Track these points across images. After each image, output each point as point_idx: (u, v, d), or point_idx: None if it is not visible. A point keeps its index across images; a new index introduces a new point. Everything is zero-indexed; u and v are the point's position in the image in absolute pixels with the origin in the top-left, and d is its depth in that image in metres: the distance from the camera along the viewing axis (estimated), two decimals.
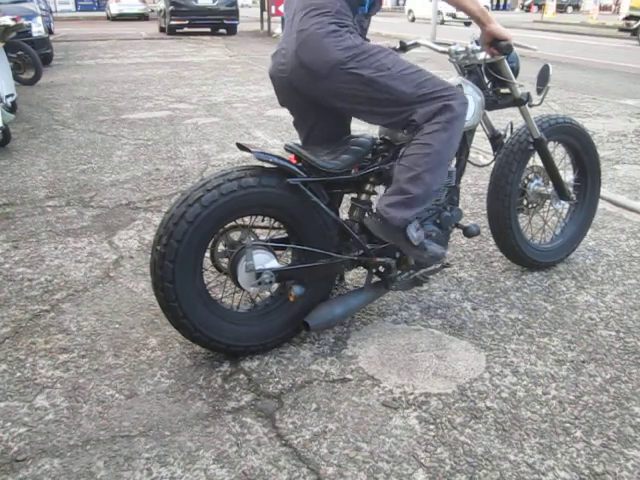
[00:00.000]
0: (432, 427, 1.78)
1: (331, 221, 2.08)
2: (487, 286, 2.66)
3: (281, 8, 15.34)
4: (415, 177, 1.96)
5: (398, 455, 1.67)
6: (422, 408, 1.86)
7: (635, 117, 6.34)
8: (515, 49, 2.21)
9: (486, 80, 2.35)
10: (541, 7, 30.74)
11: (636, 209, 3.63)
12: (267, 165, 1.99)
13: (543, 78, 2.42)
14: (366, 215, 2.13)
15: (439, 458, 1.66)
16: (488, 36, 2.14)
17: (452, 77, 2.30)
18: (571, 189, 2.77)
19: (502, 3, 42.93)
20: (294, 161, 2.05)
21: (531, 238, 2.83)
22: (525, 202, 2.70)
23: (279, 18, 16.20)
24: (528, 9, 37.72)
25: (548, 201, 2.73)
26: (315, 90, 2.00)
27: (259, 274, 2.00)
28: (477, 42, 2.27)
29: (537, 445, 1.71)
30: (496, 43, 2.14)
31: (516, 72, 2.36)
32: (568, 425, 1.79)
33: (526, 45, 2.25)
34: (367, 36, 2.06)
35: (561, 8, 30.31)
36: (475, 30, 2.32)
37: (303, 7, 1.94)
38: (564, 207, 2.83)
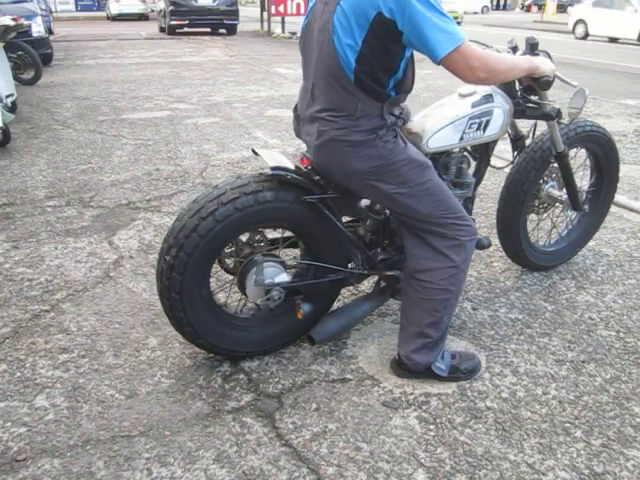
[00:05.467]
0: (432, 427, 1.78)
1: (345, 237, 2.05)
2: (487, 286, 2.66)
3: (281, 8, 15.33)
4: (436, 322, 1.91)
5: (398, 455, 1.67)
6: (422, 408, 1.86)
7: (635, 117, 6.34)
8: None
9: (517, 87, 2.25)
10: (541, 7, 30.75)
11: (636, 209, 3.63)
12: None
13: (577, 101, 2.33)
14: (391, 362, 2.07)
15: (439, 458, 1.66)
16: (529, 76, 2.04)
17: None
18: (584, 198, 2.73)
19: (502, 3, 42.89)
20: (307, 164, 1.99)
21: (536, 241, 2.81)
22: (537, 203, 2.67)
23: (279, 18, 16.21)
24: (528, 9, 37.70)
25: (560, 205, 2.70)
26: (334, 177, 1.92)
27: (268, 289, 1.98)
28: (513, 49, 2.20)
29: (537, 445, 1.71)
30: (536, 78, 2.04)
31: (550, 83, 2.16)
32: (568, 425, 1.79)
33: (567, 80, 2.14)
34: None
35: (561, 8, 30.25)
36: (513, 34, 2.23)
37: (323, 97, 1.78)
38: (574, 213, 2.80)
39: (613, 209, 3.61)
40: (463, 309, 2.46)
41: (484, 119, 2.09)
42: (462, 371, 2.00)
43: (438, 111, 2.09)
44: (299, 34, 2.01)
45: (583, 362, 2.11)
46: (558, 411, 1.85)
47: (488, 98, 2.10)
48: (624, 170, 4.34)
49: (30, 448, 1.68)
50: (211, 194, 1.87)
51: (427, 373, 1.97)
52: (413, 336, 1.95)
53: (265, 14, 17.48)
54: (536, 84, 2.05)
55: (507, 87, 2.21)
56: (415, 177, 1.81)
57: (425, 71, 9.46)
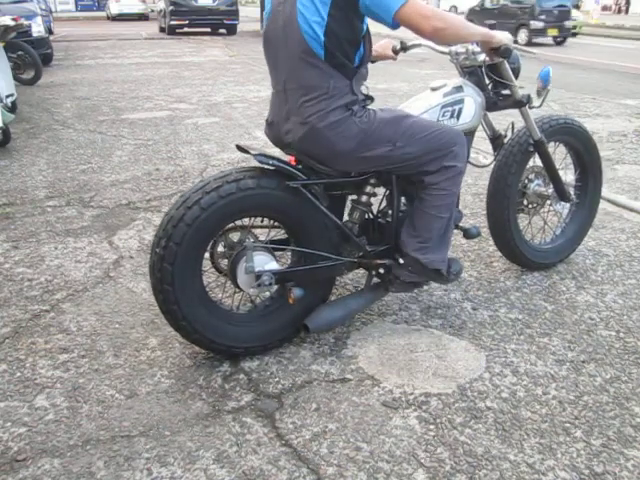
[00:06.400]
0: (432, 427, 1.78)
1: (331, 223, 2.07)
2: (487, 286, 2.66)
3: None
4: (444, 225, 2.10)
5: (398, 455, 1.67)
6: (422, 408, 1.86)
7: (635, 117, 6.34)
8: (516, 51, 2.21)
9: (487, 81, 2.35)
10: None
11: (636, 209, 3.62)
12: (266, 167, 1.98)
13: (543, 80, 2.40)
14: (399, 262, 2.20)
15: (439, 458, 1.66)
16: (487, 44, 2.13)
17: (453, 78, 2.30)
18: (572, 190, 2.77)
19: None
20: (294, 162, 2.04)
21: (531, 239, 2.83)
22: (525, 202, 2.70)
23: None
24: None
25: (548, 202, 2.73)
26: (328, 164, 2.01)
27: (259, 276, 2.00)
28: (477, 44, 2.27)
29: (537, 445, 1.71)
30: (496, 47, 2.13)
31: (517, 73, 2.36)
32: (568, 425, 1.79)
33: (526, 49, 2.27)
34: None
35: None
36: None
37: (296, 86, 1.89)
38: (564, 208, 2.83)
39: (613, 209, 3.62)
40: (463, 309, 2.46)
41: (456, 107, 2.20)
42: (452, 272, 2.21)
43: (412, 104, 2.22)
44: (262, 32, 2.09)
45: (583, 362, 2.11)
46: (558, 411, 1.85)
47: (458, 89, 2.23)
48: (624, 170, 4.35)
49: (30, 448, 1.68)
50: (196, 186, 1.94)
51: (435, 272, 2.16)
52: (422, 239, 2.11)
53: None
54: (497, 54, 2.13)
55: (477, 80, 2.31)
56: (396, 130, 1.96)
57: (425, 71, 9.45)
